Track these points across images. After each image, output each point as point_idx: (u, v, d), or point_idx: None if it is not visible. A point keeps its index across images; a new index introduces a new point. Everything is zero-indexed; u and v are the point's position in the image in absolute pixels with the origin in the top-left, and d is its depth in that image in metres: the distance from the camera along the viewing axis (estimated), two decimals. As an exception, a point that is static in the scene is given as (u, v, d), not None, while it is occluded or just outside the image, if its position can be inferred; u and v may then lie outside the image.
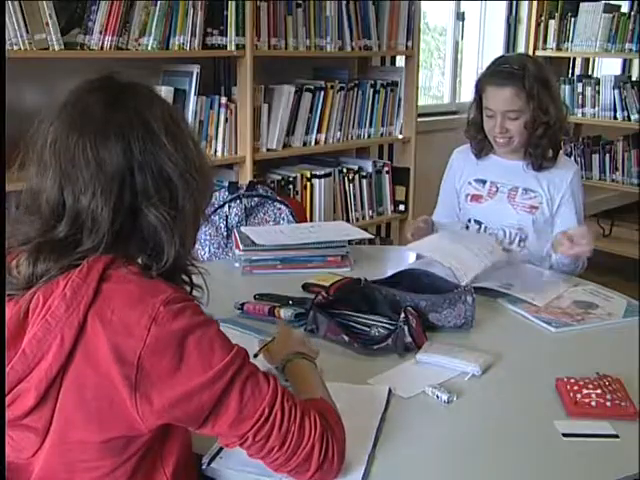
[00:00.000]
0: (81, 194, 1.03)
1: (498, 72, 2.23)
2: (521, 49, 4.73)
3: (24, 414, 1.01)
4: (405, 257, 2.33)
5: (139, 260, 1.08)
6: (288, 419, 1.06)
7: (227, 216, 2.53)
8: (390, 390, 1.40)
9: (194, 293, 1.16)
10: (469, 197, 2.37)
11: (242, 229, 2.27)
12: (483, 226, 2.35)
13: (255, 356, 1.39)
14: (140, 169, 1.04)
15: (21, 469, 1.07)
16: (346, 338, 1.61)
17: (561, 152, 2.33)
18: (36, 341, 1.00)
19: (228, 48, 2.84)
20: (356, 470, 1.16)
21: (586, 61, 5.22)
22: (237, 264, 2.15)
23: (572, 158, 4.62)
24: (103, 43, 2.46)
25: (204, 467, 1.18)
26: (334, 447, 1.09)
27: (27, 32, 2.26)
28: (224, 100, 2.91)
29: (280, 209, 2.62)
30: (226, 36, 2.82)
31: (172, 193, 1.07)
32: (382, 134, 3.61)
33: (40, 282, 1.03)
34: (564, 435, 1.29)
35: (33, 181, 1.07)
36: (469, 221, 2.38)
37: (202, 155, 1.14)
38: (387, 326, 1.64)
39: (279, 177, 3.18)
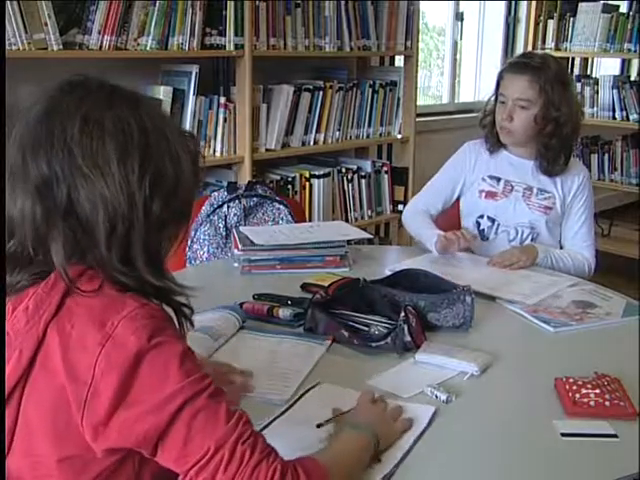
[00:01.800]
0: (16, 206, 1.01)
1: (518, 62, 2.29)
2: (520, 49, 4.74)
3: None
4: (404, 257, 2.33)
5: (111, 272, 1.01)
6: (238, 464, 0.94)
7: (226, 216, 2.53)
8: (435, 411, 1.34)
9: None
10: (483, 193, 2.38)
11: (241, 229, 2.27)
12: (496, 223, 2.37)
13: (318, 426, 1.25)
14: (61, 185, 0.99)
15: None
16: (346, 334, 1.61)
17: (572, 157, 2.34)
18: None
19: (227, 48, 2.84)
20: None
21: (585, 61, 5.22)
22: (236, 264, 2.15)
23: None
24: (102, 43, 2.46)
25: None
26: None
27: (26, 32, 2.26)
28: (223, 100, 2.91)
29: (279, 209, 2.62)
30: (225, 36, 2.83)
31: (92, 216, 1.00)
32: (381, 134, 3.62)
33: (12, 292, 1.02)
34: (563, 435, 1.29)
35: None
36: (481, 217, 2.39)
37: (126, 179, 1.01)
38: (387, 325, 1.64)
39: (278, 177, 3.19)
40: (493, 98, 2.34)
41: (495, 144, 2.36)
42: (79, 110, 1.01)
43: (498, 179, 2.37)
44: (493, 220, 2.37)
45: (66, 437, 0.98)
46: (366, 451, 1.15)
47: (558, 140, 2.25)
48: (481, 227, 2.39)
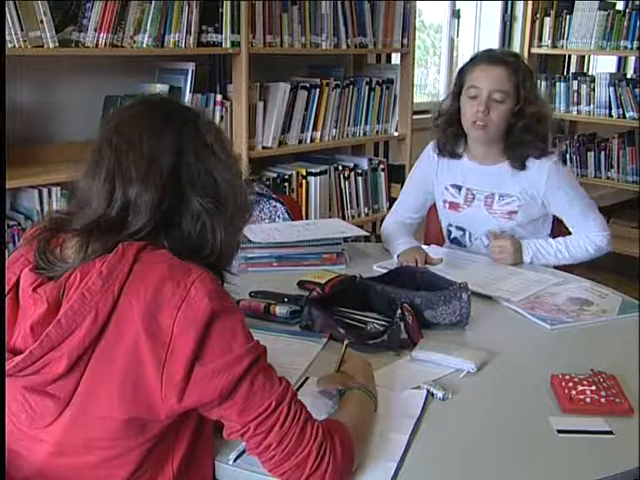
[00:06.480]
0: (129, 184, 1.11)
1: (491, 54, 2.20)
2: (516, 47, 4.73)
3: (51, 380, 1.05)
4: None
5: (182, 247, 1.12)
6: (292, 420, 1.07)
7: (223, 214, 2.52)
8: (428, 392, 1.39)
9: None
10: (447, 204, 2.34)
11: (238, 227, 2.26)
12: (467, 232, 2.33)
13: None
14: (188, 165, 1.13)
15: (33, 439, 1.09)
16: (342, 331, 1.61)
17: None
18: (72, 312, 1.04)
19: (223, 45, 2.84)
20: None
21: (581, 59, 5.22)
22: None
23: (567, 156, 4.64)
24: (98, 40, 2.46)
25: (230, 463, 1.19)
26: (329, 463, 1.08)
27: (22, 30, 2.25)
28: (219, 98, 2.91)
29: (276, 207, 2.62)
30: (221, 33, 2.82)
31: (215, 188, 1.15)
32: (378, 131, 3.61)
33: (82, 262, 1.09)
34: (559, 431, 1.29)
35: (85, 180, 1.15)
36: (451, 226, 2.37)
37: (239, 168, 1.23)
38: (383, 323, 1.65)
39: (275, 175, 3.19)
40: (452, 96, 2.23)
41: (452, 148, 2.28)
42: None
43: (459, 187, 2.30)
44: (463, 229, 2.33)
45: (133, 398, 1.05)
46: (370, 409, 1.29)
47: (531, 134, 2.14)
48: (453, 235, 2.37)
